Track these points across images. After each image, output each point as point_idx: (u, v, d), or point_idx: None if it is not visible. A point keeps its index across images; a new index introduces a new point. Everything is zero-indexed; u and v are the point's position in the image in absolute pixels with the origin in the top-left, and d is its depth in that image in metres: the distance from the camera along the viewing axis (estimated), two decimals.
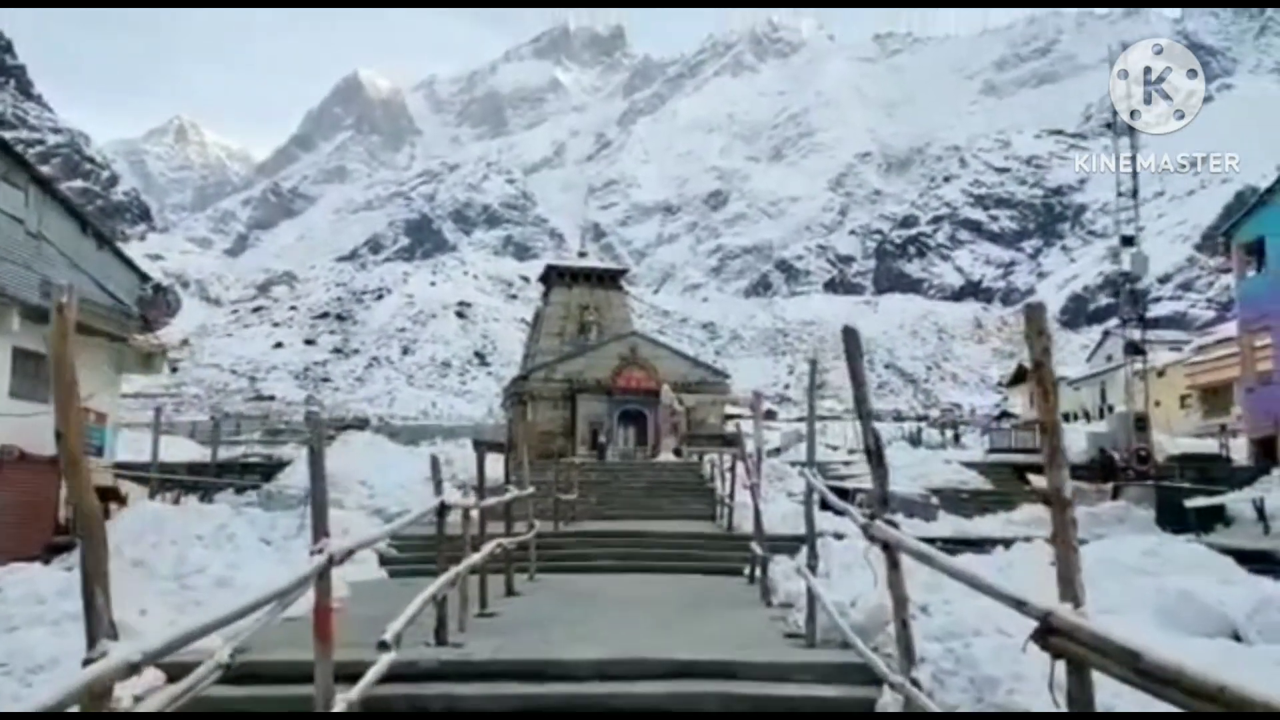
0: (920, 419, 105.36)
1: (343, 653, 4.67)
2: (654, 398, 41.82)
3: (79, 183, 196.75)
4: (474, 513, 8.90)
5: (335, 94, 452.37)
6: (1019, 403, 79.34)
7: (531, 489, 13.40)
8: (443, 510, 7.44)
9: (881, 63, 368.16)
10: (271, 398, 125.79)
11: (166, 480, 19.78)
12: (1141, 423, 22.47)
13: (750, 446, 13.35)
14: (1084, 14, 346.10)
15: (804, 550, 12.28)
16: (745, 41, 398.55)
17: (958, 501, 19.50)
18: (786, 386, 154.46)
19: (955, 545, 13.80)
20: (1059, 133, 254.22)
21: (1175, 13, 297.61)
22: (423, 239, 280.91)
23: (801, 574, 7.21)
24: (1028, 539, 12.55)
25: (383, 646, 5.01)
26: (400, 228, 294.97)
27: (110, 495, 17.58)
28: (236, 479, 22.19)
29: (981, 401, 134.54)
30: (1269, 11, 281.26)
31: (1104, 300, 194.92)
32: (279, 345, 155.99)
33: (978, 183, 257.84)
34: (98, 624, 2.74)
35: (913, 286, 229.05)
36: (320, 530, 4.10)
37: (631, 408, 42.96)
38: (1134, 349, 23.45)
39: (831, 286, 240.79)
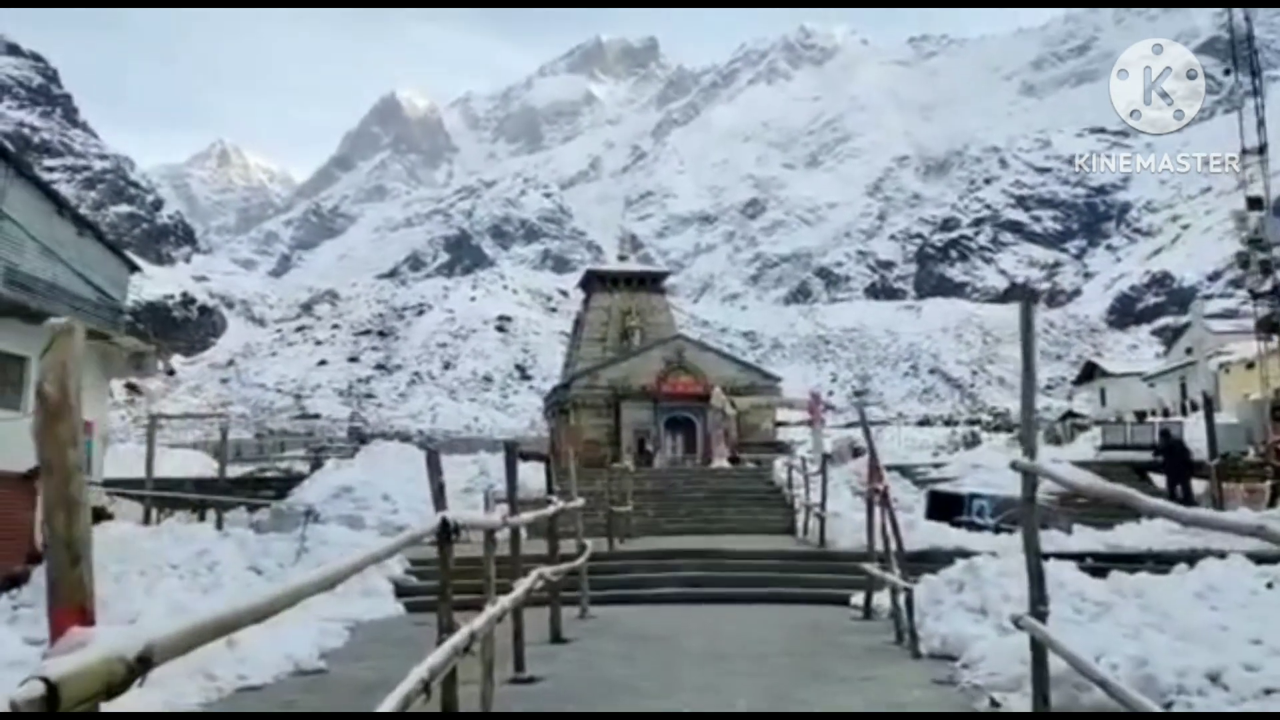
0: (972, 423, 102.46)
1: None
2: (701, 403, 39.29)
3: (125, 207, 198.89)
4: (501, 534, 6.25)
5: (373, 114, 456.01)
6: (1083, 401, 75.82)
7: (580, 500, 10.83)
8: (446, 533, 4.78)
9: (917, 66, 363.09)
10: (317, 415, 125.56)
11: (166, 498, 17.51)
12: (1279, 411, 19.46)
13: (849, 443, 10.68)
14: (1122, 10, 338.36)
15: (961, 572, 9.55)
16: (778, 49, 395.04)
17: (1074, 508, 16.62)
18: (830, 394, 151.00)
19: (1109, 563, 11.02)
20: (1101, 131, 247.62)
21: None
22: (462, 255, 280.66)
23: (1025, 627, 4.44)
24: (1222, 554, 9.72)
25: None
26: (439, 244, 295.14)
27: (98, 515, 15.34)
28: (249, 496, 19.90)
29: None
30: None
31: (1151, 300, 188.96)
32: (323, 363, 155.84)
33: (1019, 184, 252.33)
34: None
35: (955, 290, 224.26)
36: (59, 610, 1.53)
37: (678, 414, 40.48)
38: (1269, 326, 20.37)
39: (873, 292, 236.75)
